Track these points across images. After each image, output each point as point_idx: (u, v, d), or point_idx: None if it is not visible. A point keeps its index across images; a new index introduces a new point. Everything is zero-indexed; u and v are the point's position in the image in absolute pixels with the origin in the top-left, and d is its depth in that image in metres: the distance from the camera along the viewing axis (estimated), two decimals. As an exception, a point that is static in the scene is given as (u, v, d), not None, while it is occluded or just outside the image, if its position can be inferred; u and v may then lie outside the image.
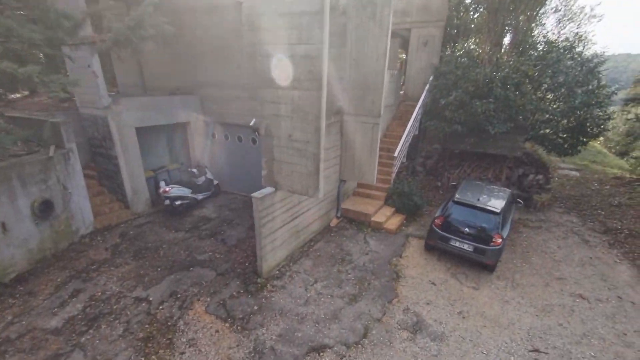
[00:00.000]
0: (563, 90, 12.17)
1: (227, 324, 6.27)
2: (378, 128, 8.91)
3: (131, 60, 12.01)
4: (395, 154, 10.78)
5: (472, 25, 15.01)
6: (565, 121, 12.28)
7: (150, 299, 6.79)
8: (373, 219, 9.95)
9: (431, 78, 12.68)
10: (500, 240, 7.77)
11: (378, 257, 8.60)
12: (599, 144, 25.11)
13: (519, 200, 9.72)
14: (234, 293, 7.03)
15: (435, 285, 7.69)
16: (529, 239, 9.93)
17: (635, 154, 16.44)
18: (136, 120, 9.63)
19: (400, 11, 14.16)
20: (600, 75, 12.02)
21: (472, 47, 13.08)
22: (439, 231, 8.38)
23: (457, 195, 8.69)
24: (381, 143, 12.46)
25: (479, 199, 8.35)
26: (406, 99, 14.63)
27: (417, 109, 12.06)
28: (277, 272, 7.76)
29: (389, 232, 9.79)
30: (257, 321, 6.36)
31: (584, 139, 12.48)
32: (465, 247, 8.03)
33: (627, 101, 16.44)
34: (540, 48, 11.97)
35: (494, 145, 12.34)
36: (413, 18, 14.08)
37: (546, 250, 9.35)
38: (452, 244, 8.20)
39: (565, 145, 12.47)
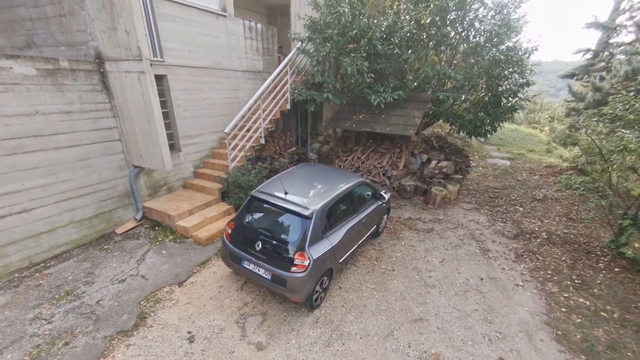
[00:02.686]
0: (473, 45, 8.71)
1: None
2: (147, 79, 5.22)
3: None
4: (227, 130, 7.07)
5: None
6: (470, 88, 8.83)
7: None
8: (179, 222, 6.29)
9: (307, 33, 8.99)
10: (306, 262, 4.21)
11: (138, 287, 4.96)
12: (544, 133, 21.98)
13: (381, 194, 6.18)
14: None
15: (191, 342, 4.09)
16: (405, 250, 6.44)
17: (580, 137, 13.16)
18: None
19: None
20: (519, 28, 8.58)
21: None
22: (229, 245, 4.79)
23: (260, 187, 5.09)
24: (249, 121, 8.86)
25: (287, 192, 4.75)
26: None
27: (277, 70, 8.34)
28: None
29: (198, 242, 6.15)
30: None
31: (499, 114, 9.03)
32: (261, 272, 4.46)
33: (567, 76, 13.24)
34: None
35: (384, 123, 8.78)
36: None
37: (422, 268, 5.87)
38: (245, 265, 4.62)
39: (477, 123, 8.99)
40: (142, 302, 4.66)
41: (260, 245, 4.47)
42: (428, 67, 8.51)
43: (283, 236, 4.46)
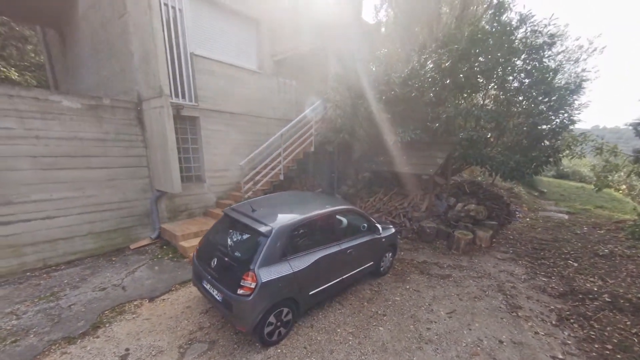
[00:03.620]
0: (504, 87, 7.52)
1: None
2: (165, 112, 5.42)
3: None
4: (241, 163, 6.90)
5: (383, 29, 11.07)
6: (502, 129, 7.39)
7: None
8: (181, 243, 5.93)
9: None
10: (253, 285, 3.31)
11: (112, 297, 4.52)
12: (620, 192, 17.41)
13: (377, 227, 5.01)
14: None
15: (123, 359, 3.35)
16: (408, 294, 4.95)
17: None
18: None
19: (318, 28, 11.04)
20: (557, 64, 7.21)
21: (384, 51, 9.16)
22: (195, 262, 4.16)
23: (236, 205, 4.50)
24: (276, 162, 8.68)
25: (254, 210, 4.06)
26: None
27: (301, 116, 8.20)
28: None
29: (192, 262, 5.63)
30: None
31: (540, 156, 7.24)
32: (215, 293, 3.67)
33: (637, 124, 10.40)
34: (465, 36, 7.55)
35: (404, 163, 7.74)
36: (331, 33, 10.78)
37: (421, 317, 4.33)
38: (204, 285, 3.89)
39: (510, 163, 7.31)
40: (107, 312, 4.15)
41: (215, 262, 3.75)
42: (451, 107, 7.52)
43: (237, 254, 3.69)
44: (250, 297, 3.30)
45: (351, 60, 8.56)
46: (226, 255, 3.72)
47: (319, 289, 4.07)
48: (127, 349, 3.50)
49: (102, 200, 5.74)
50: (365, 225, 4.95)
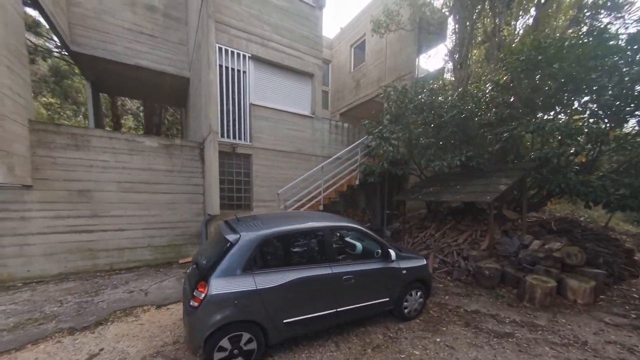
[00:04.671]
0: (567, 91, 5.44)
1: None
2: (212, 145, 5.79)
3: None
4: (279, 192, 6.61)
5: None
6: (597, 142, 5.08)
7: None
8: (214, 261, 5.72)
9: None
10: (202, 295, 2.66)
11: (133, 299, 4.42)
12: None
13: (389, 252, 3.65)
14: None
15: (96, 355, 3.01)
16: (434, 350, 3.27)
17: None
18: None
19: (376, 80, 10.85)
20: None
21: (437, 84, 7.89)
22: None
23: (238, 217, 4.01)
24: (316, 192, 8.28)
25: (239, 219, 3.53)
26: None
27: (345, 150, 7.64)
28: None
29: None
30: None
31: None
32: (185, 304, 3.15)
33: None
34: (527, 45, 5.85)
35: (456, 192, 6.04)
36: (386, 81, 10.39)
37: (442, 386, 2.66)
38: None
39: (621, 190, 4.76)
40: (118, 312, 4.03)
41: (188, 271, 3.29)
42: (515, 124, 5.75)
43: (204, 261, 3.12)
44: (197, 310, 2.61)
45: (396, 94, 7.87)
46: (196, 264, 3.20)
47: (298, 317, 3.02)
48: (101, 349, 3.16)
49: (163, 219, 6.23)
50: (380, 251, 3.71)
